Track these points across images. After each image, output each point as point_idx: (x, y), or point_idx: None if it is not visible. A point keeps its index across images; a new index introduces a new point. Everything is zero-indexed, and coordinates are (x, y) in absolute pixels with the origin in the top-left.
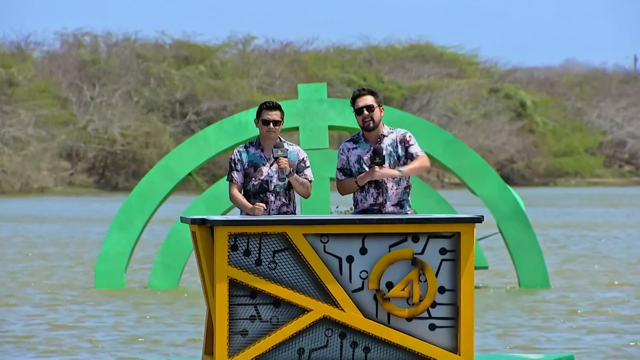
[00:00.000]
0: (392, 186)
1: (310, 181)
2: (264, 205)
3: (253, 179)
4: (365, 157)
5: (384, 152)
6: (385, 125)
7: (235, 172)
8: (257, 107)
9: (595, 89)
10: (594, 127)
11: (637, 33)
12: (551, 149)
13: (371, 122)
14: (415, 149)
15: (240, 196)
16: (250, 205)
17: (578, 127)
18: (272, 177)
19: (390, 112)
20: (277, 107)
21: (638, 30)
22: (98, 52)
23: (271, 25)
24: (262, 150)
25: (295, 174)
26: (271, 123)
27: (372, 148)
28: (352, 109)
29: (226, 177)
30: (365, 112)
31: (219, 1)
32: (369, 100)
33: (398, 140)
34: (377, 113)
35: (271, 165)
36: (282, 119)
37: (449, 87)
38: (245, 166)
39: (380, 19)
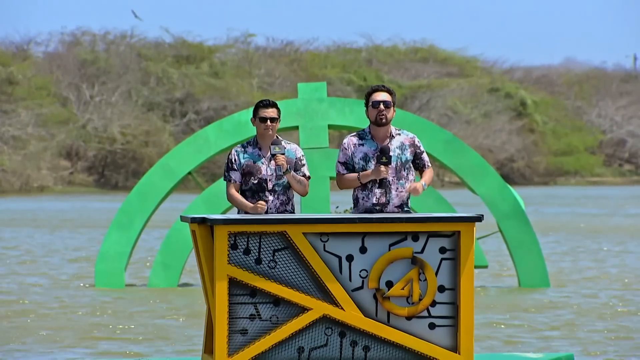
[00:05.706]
0: (397, 187)
1: (307, 178)
2: (264, 203)
3: (252, 178)
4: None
5: (391, 153)
6: (391, 125)
7: (233, 171)
8: None
9: (595, 88)
10: (594, 126)
11: (637, 32)
12: (551, 148)
13: (384, 117)
14: (426, 157)
15: (239, 196)
16: (251, 205)
17: (578, 126)
18: (271, 175)
19: None
20: (273, 105)
21: (638, 29)
22: (97, 51)
23: (271, 25)
24: (260, 149)
25: (292, 172)
26: (268, 120)
27: (379, 147)
28: (365, 104)
29: (223, 177)
30: (382, 106)
31: (220, 0)
32: (386, 96)
33: (407, 143)
34: (391, 111)
35: (270, 164)
36: (279, 117)
37: (449, 87)
38: (244, 166)
39: (381, 18)
